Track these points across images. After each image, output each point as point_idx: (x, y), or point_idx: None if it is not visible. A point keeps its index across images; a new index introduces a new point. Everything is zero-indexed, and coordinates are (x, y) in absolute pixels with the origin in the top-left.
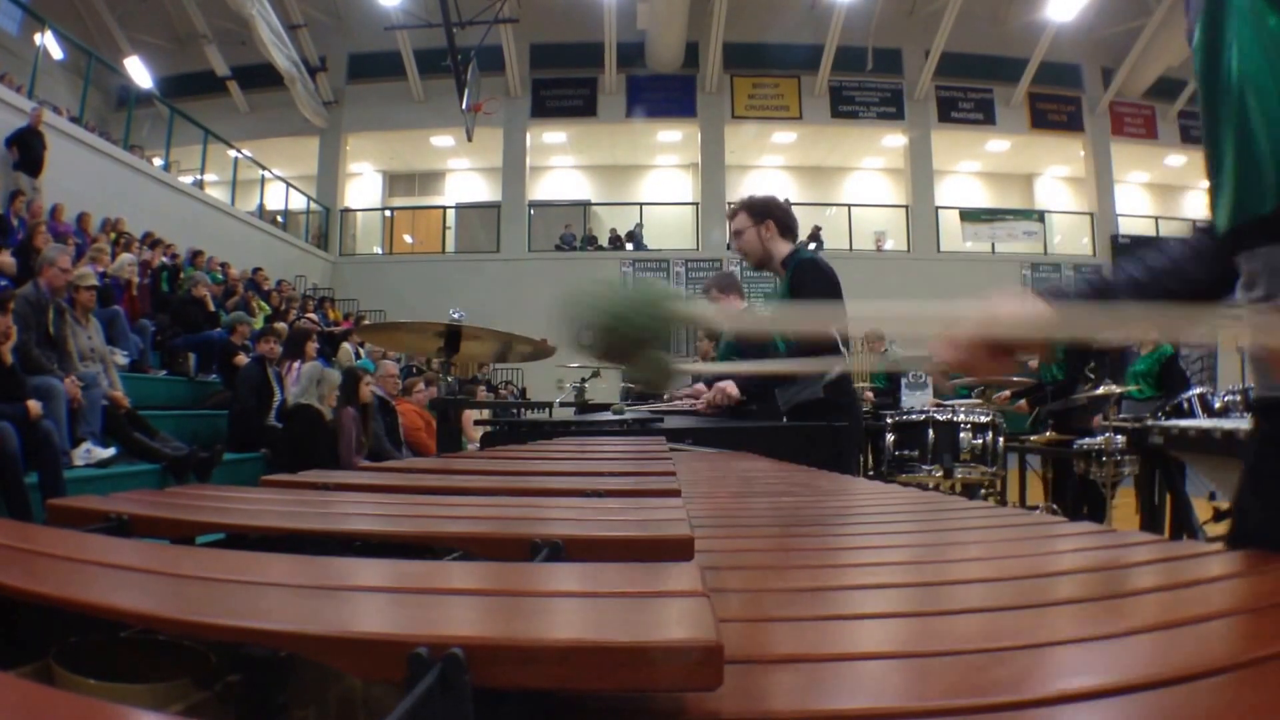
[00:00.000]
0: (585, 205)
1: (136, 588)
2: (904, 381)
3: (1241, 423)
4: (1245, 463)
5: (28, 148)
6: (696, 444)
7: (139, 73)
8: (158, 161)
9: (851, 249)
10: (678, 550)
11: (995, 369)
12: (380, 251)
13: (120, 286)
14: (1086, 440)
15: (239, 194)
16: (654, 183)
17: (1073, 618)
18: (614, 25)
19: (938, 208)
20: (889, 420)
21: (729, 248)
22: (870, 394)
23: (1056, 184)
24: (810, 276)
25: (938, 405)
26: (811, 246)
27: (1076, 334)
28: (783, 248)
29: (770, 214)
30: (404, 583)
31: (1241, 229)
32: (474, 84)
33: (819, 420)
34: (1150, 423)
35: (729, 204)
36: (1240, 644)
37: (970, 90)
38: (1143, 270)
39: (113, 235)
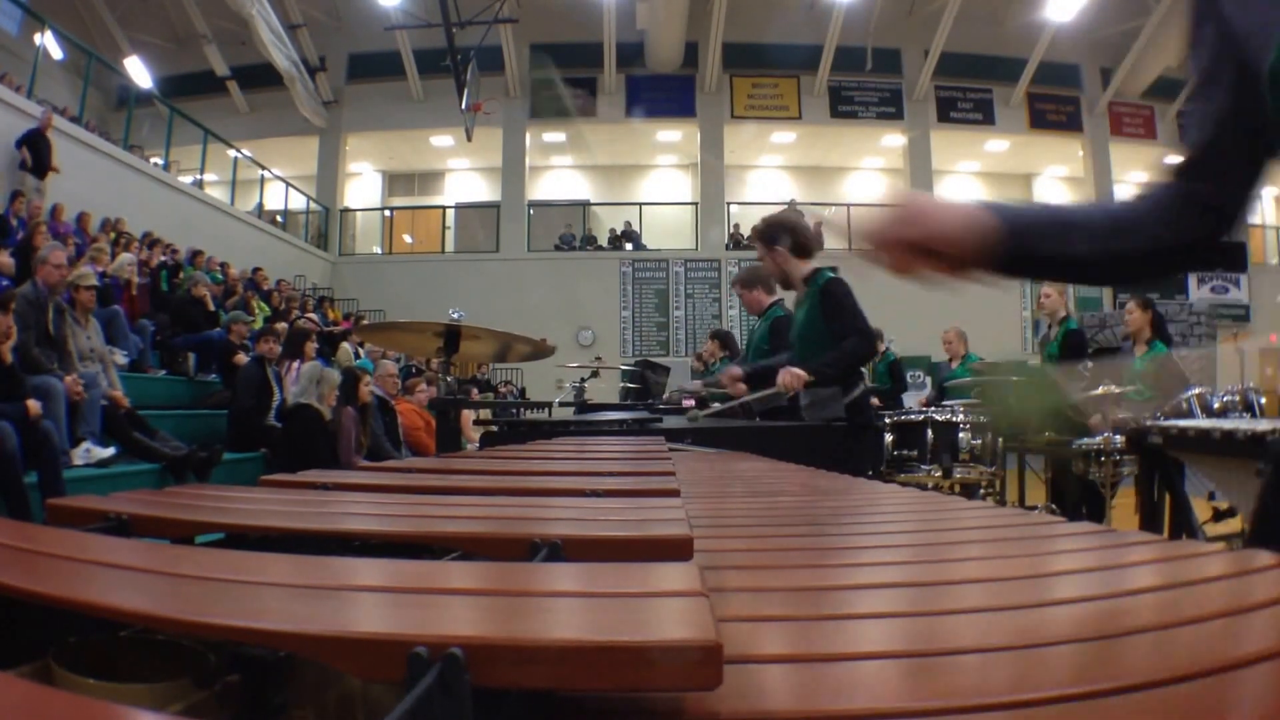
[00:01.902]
0: (584, 205)
1: (136, 587)
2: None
3: (1241, 422)
4: (1269, 472)
5: (35, 150)
6: (696, 444)
7: (139, 72)
8: (157, 161)
9: (851, 249)
10: (677, 550)
11: (917, 269)
12: (380, 251)
13: (120, 286)
14: (1085, 440)
15: (238, 194)
16: (653, 183)
17: (1072, 618)
18: (613, 25)
19: None
20: (888, 420)
21: (727, 248)
22: (876, 399)
23: (1055, 184)
24: (844, 291)
25: (934, 405)
26: None
27: (1013, 256)
28: (801, 267)
29: (777, 240)
30: (403, 582)
31: None
32: (473, 84)
33: (830, 428)
34: (1149, 423)
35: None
36: (1240, 644)
37: (969, 90)
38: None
39: (112, 235)
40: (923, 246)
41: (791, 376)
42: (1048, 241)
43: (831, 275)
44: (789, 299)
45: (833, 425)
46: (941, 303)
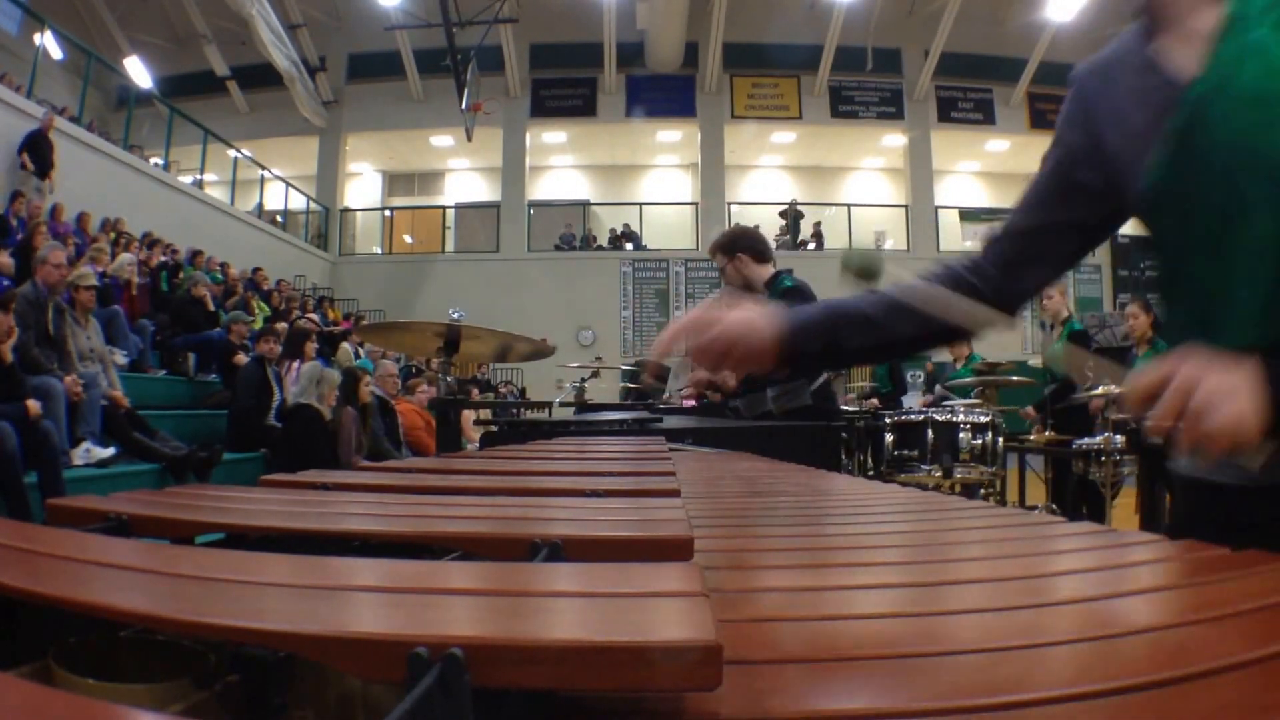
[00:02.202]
0: (585, 205)
1: (136, 588)
2: (905, 382)
3: None
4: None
5: (37, 151)
6: (696, 444)
7: (139, 73)
8: (158, 161)
9: (851, 248)
10: (677, 550)
11: (727, 369)
12: (380, 251)
13: (120, 286)
14: (1086, 440)
15: (238, 194)
16: (654, 182)
17: (1072, 618)
18: (613, 25)
19: (937, 207)
20: (889, 420)
21: None
22: (875, 400)
23: None
24: (799, 302)
25: (932, 405)
26: (811, 246)
27: (792, 356)
28: (762, 272)
29: (738, 247)
30: (403, 583)
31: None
32: (473, 84)
33: (812, 421)
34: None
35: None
36: (1240, 644)
37: (970, 90)
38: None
39: (112, 235)
40: (724, 357)
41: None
42: (816, 340)
43: (791, 283)
44: None
45: (832, 426)
46: None
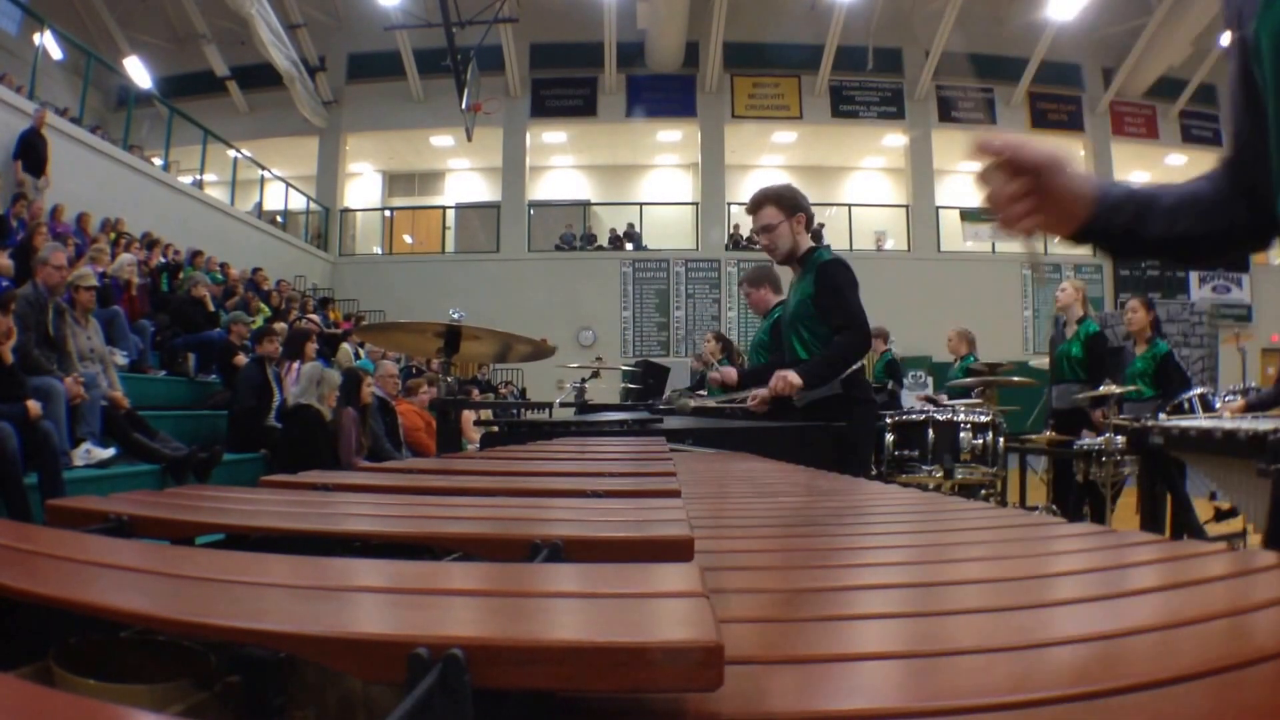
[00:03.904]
0: (585, 205)
1: (136, 588)
2: (905, 382)
3: (1243, 422)
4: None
5: (31, 148)
6: (696, 444)
7: (138, 73)
8: (157, 161)
9: (852, 248)
10: (678, 551)
11: (1024, 224)
12: (380, 251)
13: (120, 287)
14: (1087, 441)
15: (238, 194)
16: (654, 182)
17: (1073, 618)
18: (614, 25)
19: (938, 207)
20: (889, 420)
21: (727, 248)
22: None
23: None
24: (844, 278)
25: (932, 402)
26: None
27: (1101, 214)
28: (806, 242)
29: (800, 207)
30: (404, 583)
31: None
32: (474, 84)
33: (824, 419)
34: (1150, 423)
35: (733, 201)
36: (1240, 644)
37: (971, 90)
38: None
39: (112, 235)
40: (1040, 183)
41: (784, 383)
42: (1123, 216)
43: (830, 256)
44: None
45: (832, 426)
46: (943, 303)
